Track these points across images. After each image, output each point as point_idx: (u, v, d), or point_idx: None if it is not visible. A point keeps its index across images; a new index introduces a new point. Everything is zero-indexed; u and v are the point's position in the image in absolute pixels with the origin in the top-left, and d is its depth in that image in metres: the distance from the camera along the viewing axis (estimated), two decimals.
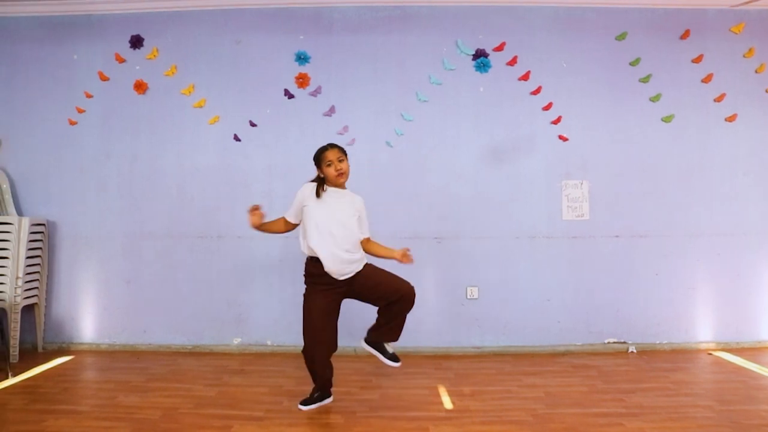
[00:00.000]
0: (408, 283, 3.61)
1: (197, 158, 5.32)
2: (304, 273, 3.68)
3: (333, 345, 3.69)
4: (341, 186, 3.68)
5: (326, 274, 3.55)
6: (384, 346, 3.77)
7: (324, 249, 3.52)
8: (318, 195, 3.60)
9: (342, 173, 3.62)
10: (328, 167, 3.60)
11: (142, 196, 5.33)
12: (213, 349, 5.24)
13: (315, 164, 3.70)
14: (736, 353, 5.03)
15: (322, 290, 3.59)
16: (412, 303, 3.62)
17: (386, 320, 3.67)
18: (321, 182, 3.66)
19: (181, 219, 5.31)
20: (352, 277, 3.60)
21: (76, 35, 5.39)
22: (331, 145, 3.67)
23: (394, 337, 3.73)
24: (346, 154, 3.68)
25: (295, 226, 3.77)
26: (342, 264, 3.55)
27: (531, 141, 5.27)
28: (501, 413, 3.67)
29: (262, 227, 3.74)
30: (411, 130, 5.23)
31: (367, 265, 3.69)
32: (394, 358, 3.77)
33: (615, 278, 5.24)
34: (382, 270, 3.70)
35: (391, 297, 3.57)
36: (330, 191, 3.65)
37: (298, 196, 3.69)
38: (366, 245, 3.74)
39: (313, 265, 3.59)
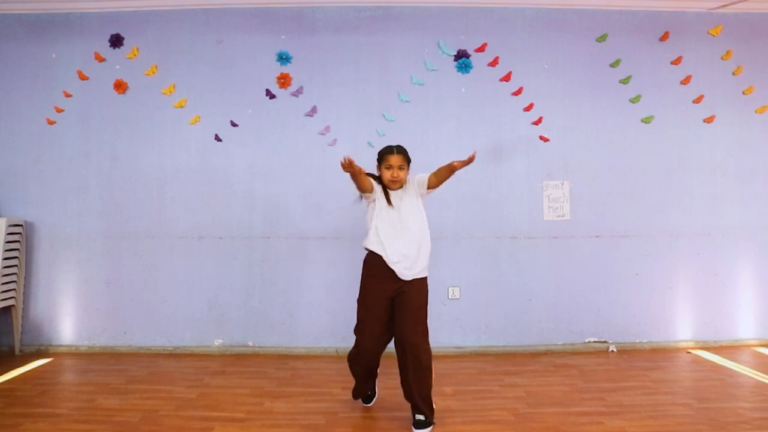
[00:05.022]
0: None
1: (178, 158, 5.28)
2: (363, 266, 3.68)
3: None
4: (393, 188, 3.64)
5: (387, 269, 3.53)
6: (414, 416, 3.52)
7: (392, 247, 3.53)
8: (389, 201, 3.59)
9: (396, 181, 3.60)
10: (386, 169, 3.62)
11: (122, 197, 5.28)
12: (194, 350, 5.21)
13: (377, 159, 3.72)
14: (714, 352, 5.09)
15: (379, 281, 3.56)
16: (429, 367, 3.48)
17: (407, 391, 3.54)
18: (382, 183, 3.67)
19: (161, 219, 5.27)
20: (409, 281, 3.55)
21: (54, 34, 5.32)
22: (398, 150, 3.65)
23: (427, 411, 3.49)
24: (409, 162, 3.68)
25: (365, 194, 3.66)
26: (408, 263, 3.53)
27: (512, 141, 5.30)
28: (482, 413, 3.68)
29: (357, 171, 3.48)
30: (393, 130, 5.23)
31: (425, 279, 3.64)
32: (421, 424, 3.43)
33: (595, 278, 5.28)
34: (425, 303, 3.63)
35: (413, 332, 3.46)
36: (394, 192, 3.65)
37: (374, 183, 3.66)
38: (431, 178, 3.60)
39: (373, 258, 3.60)
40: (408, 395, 3.51)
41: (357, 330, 3.64)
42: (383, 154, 3.66)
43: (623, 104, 5.34)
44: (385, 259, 3.52)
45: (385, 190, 3.63)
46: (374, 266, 3.58)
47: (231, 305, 5.23)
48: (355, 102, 5.28)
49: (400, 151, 3.65)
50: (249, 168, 5.27)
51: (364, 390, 3.83)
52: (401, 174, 3.61)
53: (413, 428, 3.40)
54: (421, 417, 3.42)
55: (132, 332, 5.25)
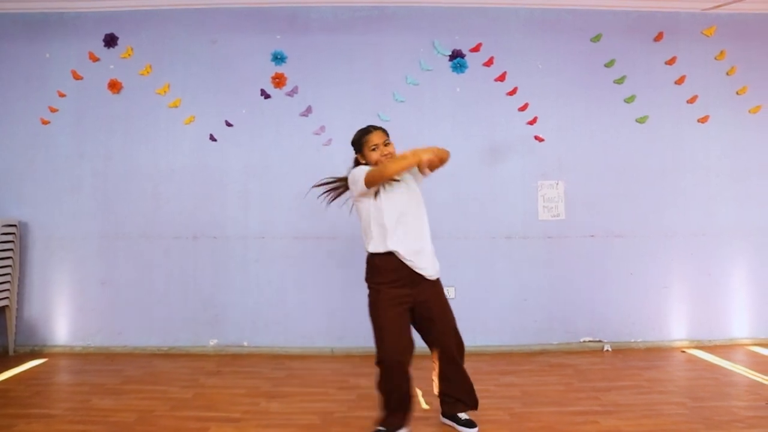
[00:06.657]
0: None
1: (172, 158, 5.27)
2: (366, 273, 3.30)
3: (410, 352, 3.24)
4: None
5: (396, 270, 3.18)
6: (458, 415, 3.45)
7: (396, 242, 3.17)
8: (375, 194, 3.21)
9: (390, 157, 3.23)
10: (372, 152, 3.26)
11: (117, 197, 5.27)
12: (189, 350, 5.19)
13: (355, 150, 3.38)
14: (708, 351, 5.10)
15: (390, 289, 3.18)
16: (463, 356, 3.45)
17: (451, 388, 3.44)
18: None
19: (156, 219, 5.26)
20: (424, 281, 3.23)
21: (48, 33, 5.31)
22: (374, 127, 3.32)
23: (472, 404, 3.48)
24: (388, 134, 3.34)
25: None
26: (416, 255, 3.19)
27: (507, 141, 5.30)
28: (478, 412, 3.67)
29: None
30: (388, 130, 5.21)
31: (439, 281, 3.36)
32: (469, 423, 3.40)
33: (590, 278, 5.29)
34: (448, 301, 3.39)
35: (450, 339, 3.33)
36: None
37: (358, 177, 3.19)
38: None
39: (381, 259, 3.20)
40: (449, 391, 3.45)
41: (379, 347, 3.21)
42: (360, 137, 3.33)
43: (617, 104, 5.35)
44: (399, 257, 3.17)
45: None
46: (385, 271, 3.21)
47: (226, 305, 5.23)
48: (350, 102, 5.28)
49: (377, 127, 3.34)
50: (244, 168, 5.26)
51: (396, 418, 3.29)
52: (390, 148, 3.28)
53: (465, 428, 3.37)
54: (466, 417, 3.44)
55: (127, 332, 5.23)
